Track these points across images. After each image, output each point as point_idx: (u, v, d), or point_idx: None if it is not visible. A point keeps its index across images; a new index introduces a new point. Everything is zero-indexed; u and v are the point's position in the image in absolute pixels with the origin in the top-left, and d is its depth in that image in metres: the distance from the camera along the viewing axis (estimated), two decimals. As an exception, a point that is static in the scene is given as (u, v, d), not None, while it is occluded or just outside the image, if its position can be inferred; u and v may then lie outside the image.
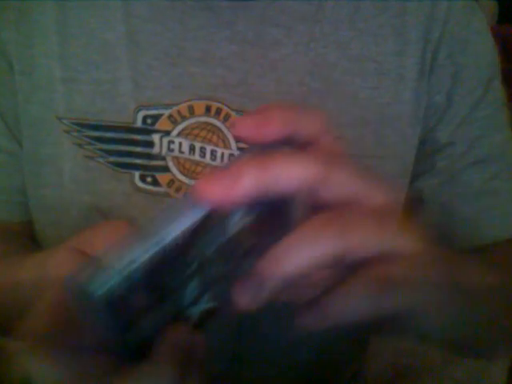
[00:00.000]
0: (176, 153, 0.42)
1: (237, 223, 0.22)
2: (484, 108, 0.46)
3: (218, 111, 0.42)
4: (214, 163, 0.42)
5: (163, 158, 0.42)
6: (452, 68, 0.44)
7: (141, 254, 0.19)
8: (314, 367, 0.50)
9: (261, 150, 0.22)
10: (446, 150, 0.46)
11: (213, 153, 0.42)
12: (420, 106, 0.44)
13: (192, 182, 0.42)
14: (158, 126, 0.42)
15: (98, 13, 0.43)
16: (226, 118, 0.42)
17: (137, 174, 0.42)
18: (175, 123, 0.42)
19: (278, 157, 0.22)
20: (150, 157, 0.42)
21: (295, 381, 0.49)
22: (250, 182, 0.21)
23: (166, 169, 0.42)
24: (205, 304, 0.22)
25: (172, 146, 0.42)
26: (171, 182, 0.42)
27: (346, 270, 0.23)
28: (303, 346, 0.47)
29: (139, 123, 0.41)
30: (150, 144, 0.42)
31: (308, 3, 0.43)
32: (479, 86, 0.45)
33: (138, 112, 0.41)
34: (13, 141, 0.45)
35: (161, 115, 0.42)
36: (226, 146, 0.42)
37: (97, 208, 0.43)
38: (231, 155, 0.42)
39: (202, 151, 0.42)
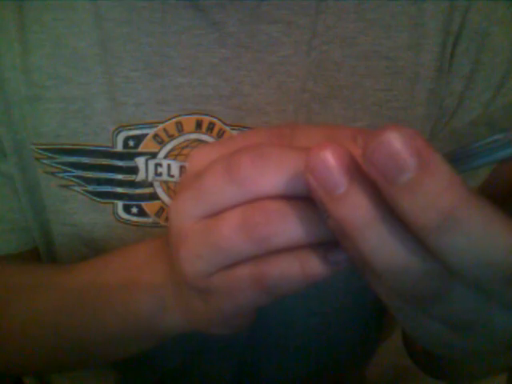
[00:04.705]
0: (164, 177, 0.36)
1: None
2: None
3: (211, 126, 0.36)
4: None
5: (150, 185, 0.36)
6: (467, 67, 0.38)
7: None
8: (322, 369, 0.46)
9: None
10: None
11: None
12: (433, 110, 0.38)
13: None
14: (141, 149, 0.36)
15: (63, 15, 0.36)
16: (220, 133, 0.36)
17: (120, 204, 0.36)
18: (162, 143, 0.36)
19: None
20: (134, 184, 0.36)
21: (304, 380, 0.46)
22: None
23: (153, 196, 0.36)
24: None
25: (159, 170, 0.36)
26: (160, 211, 0.37)
27: None
28: (312, 346, 0.44)
29: (120, 146, 0.36)
30: (134, 170, 0.36)
31: None
32: (489, 87, 0.38)
33: (117, 134, 0.36)
34: (5, 162, 0.38)
35: (144, 136, 0.36)
36: None
37: (79, 238, 0.37)
38: None
39: None
